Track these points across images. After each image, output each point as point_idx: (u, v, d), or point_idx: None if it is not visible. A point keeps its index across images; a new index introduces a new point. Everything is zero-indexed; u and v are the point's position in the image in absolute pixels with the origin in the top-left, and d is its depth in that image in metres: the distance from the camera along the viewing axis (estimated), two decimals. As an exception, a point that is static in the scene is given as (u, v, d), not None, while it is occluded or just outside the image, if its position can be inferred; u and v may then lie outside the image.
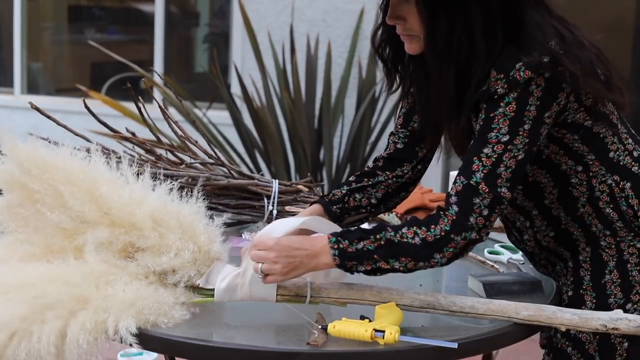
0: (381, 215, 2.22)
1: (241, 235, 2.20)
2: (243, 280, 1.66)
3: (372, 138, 4.61)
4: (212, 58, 5.48)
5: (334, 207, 1.89)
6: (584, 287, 1.74)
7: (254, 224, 2.31)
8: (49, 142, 2.10)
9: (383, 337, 1.52)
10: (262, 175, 3.08)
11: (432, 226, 1.60)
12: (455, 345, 1.54)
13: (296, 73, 4.34)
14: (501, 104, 1.60)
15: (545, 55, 1.58)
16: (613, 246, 1.73)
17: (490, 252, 2.14)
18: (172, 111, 2.93)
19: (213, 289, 1.68)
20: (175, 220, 1.71)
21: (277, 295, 1.67)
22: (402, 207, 2.32)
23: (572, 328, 1.61)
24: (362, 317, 1.60)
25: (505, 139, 1.60)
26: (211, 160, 2.33)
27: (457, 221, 1.60)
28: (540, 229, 1.79)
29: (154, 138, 2.36)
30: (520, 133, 1.60)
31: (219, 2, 6.48)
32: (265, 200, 2.28)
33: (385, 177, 1.92)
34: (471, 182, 1.61)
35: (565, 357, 1.74)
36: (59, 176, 1.73)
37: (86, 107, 2.25)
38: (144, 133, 2.42)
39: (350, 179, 1.94)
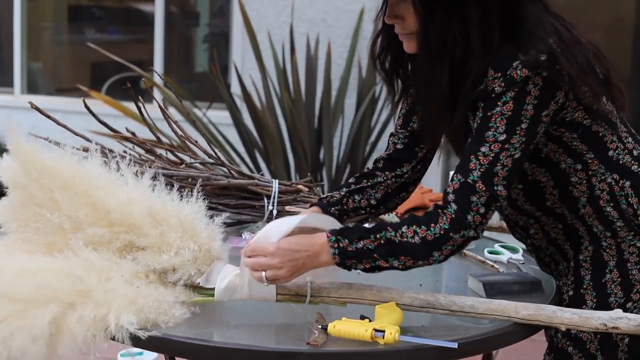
0: (381, 216, 2.22)
1: (241, 235, 2.20)
2: (243, 280, 1.66)
3: (372, 138, 4.61)
4: (212, 58, 5.48)
5: (333, 208, 1.89)
6: (585, 286, 1.74)
7: (254, 224, 2.31)
8: (49, 142, 2.11)
9: (383, 337, 1.52)
10: (262, 175, 3.07)
11: (432, 225, 1.61)
12: (455, 345, 1.54)
13: (296, 73, 4.34)
14: (498, 102, 1.60)
15: (542, 54, 1.58)
16: (613, 247, 1.73)
17: (490, 252, 2.14)
18: (172, 111, 2.92)
19: (213, 289, 1.68)
20: (176, 219, 1.71)
21: (277, 295, 1.67)
22: (402, 207, 2.32)
23: (572, 328, 1.62)
24: (362, 317, 1.60)
25: (503, 137, 1.60)
26: (211, 160, 2.33)
27: (456, 219, 1.60)
28: (547, 222, 1.79)
29: (154, 138, 2.36)
30: (518, 132, 1.60)
31: (219, 2, 6.47)
32: (265, 200, 2.28)
33: (385, 178, 1.92)
34: (468, 180, 1.61)
35: (566, 357, 1.74)
36: (56, 181, 1.73)
37: (86, 107, 2.25)
38: (144, 133, 2.42)
39: (350, 180, 1.94)
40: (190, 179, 2.21)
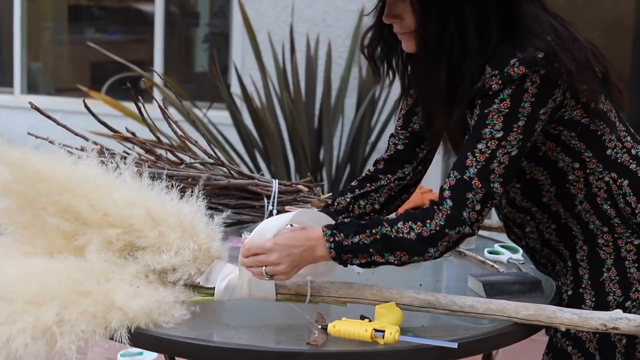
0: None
1: (241, 235, 2.20)
2: (243, 280, 1.66)
3: (372, 138, 4.61)
4: (212, 58, 5.47)
5: (341, 217, 1.89)
6: (583, 285, 1.74)
7: (254, 224, 2.30)
8: (49, 142, 2.11)
9: (383, 337, 1.52)
10: (262, 175, 3.07)
11: (428, 221, 1.61)
12: (455, 345, 1.54)
13: (296, 73, 4.34)
14: (496, 100, 1.60)
15: (540, 51, 1.58)
16: (610, 243, 1.73)
17: (490, 252, 2.14)
18: (172, 111, 2.92)
19: (213, 288, 1.68)
20: (176, 219, 1.71)
21: (277, 294, 1.67)
22: (402, 208, 2.32)
23: (572, 328, 1.62)
24: (362, 317, 1.60)
25: (499, 135, 1.60)
26: (211, 160, 2.33)
27: (452, 216, 1.61)
28: (542, 221, 1.79)
29: (154, 138, 2.36)
30: (514, 129, 1.60)
31: (219, 2, 6.47)
32: (265, 200, 2.28)
33: (388, 181, 1.91)
34: (464, 177, 1.61)
35: (566, 356, 1.74)
36: (53, 185, 1.73)
37: (86, 107, 2.25)
38: (144, 133, 2.41)
39: (353, 184, 1.94)
40: (190, 179, 2.21)
